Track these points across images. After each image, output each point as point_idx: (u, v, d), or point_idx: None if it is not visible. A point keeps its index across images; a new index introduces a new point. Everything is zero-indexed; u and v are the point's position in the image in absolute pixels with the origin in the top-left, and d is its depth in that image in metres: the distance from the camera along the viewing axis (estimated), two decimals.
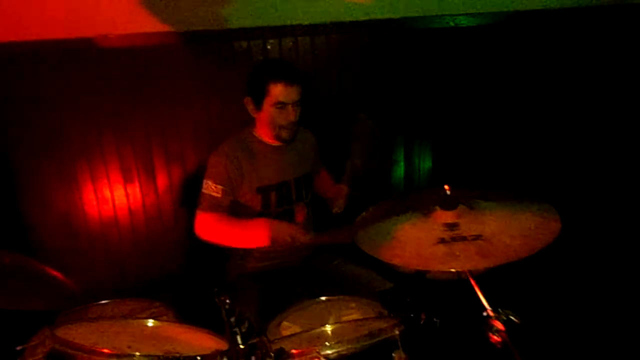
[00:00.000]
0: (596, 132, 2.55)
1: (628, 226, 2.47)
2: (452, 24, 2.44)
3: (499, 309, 1.37)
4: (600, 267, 2.38)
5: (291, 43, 2.35)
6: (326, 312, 1.67)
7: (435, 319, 1.74)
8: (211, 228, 1.86)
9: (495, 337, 1.30)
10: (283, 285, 1.94)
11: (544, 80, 2.51)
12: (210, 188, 1.88)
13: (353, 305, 1.70)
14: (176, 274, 2.45)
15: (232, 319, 1.25)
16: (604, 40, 2.49)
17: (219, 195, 1.87)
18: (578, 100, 2.53)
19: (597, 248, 2.44)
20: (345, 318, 1.61)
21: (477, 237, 1.28)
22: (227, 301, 1.24)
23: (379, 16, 2.38)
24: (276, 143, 2.00)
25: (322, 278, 1.99)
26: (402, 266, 1.35)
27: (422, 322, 1.69)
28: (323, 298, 1.71)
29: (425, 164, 2.59)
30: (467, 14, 2.44)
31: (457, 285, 1.54)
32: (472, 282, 1.39)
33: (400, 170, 2.60)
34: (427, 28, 2.44)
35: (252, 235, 1.82)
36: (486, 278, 1.66)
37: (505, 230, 1.28)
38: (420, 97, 2.51)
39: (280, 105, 1.88)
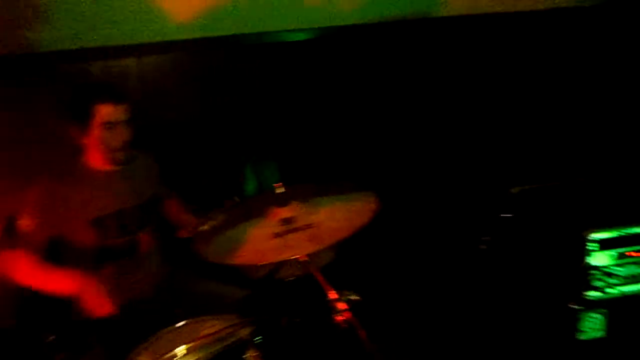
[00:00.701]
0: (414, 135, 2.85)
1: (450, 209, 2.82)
2: (281, 39, 2.58)
3: (341, 291, 1.47)
4: (429, 244, 2.67)
5: (118, 65, 2.26)
6: (183, 335, 1.61)
7: (296, 320, 1.80)
8: (14, 268, 1.68)
9: (339, 318, 1.40)
10: (135, 320, 1.82)
11: (369, 90, 2.77)
12: (22, 224, 1.71)
13: (212, 322, 1.66)
14: (6, 330, 2.13)
15: (61, 356, 1.14)
16: (417, 52, 2.81)
17: (31, 230, 1.70)
18: (400, 106, 2.82)
19: (419, 227, 2.73)
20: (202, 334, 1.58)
21: (309, 226, 1.37)
22: (51, 338, 1.13)
23: (209, 34, 2.41)
24: (110, 168, 1.88)
25: (178, 303, 1.91)
26: (243, 264, 1.38)
27: (283, 325, 1.73)
28: (180, 324, 1.65)
29: (273, 174, 2.66)
30: (295, 30, 2.60)
31: (306, 280, 1.61)
32: (314, 272, 1.48)
33: (251, 185, 2.64)
34: (258, 44, 2.54)
35: (58, 286, 1.67)
36: (333, 267, 1.78)
37: (333, 217, 1.40)
38: (258, 112, 2.59)
39: (110, 125, 1.79)
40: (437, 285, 2.38)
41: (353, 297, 1.47)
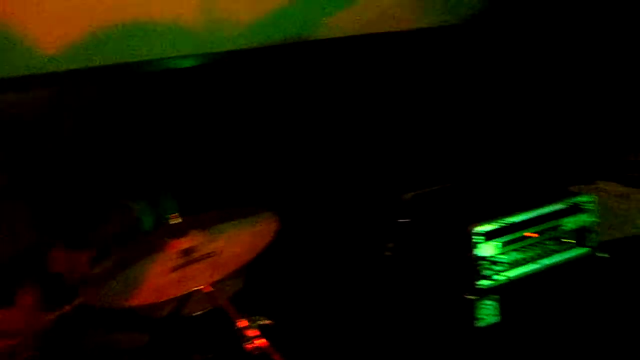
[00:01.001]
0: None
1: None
2: (165, 66, 2.49)
3: (251, 318, 1.43)
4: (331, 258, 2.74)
5: None
6: None
7: (208, 356, 1.71)
8: None
9: (250, 346, 1.35)
10: None
11: (257, 112, 2.78)
12: None
13: None
14: None
15: None
16: (302, 73, 2.88)
17: None
18: (290, 125, 2.87)
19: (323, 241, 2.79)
20: None
21: (209, 254, 1.32)
22: None
23: (84, 64, 2.26)
24: None
25: (71, 358, 1.73)
26: (141, 305, 1.28)
27: None
28: None
29: (169, 205, 2.55)
30: (178, 57, 2.53)
31: (215, 312, 1.55)
32: (221, 302, 1.42)
33: (148, 221, 2.50)
34: (142, 72, 2.44)
35: None
36: (243, 294, 1.73)
37: (234, 242, 1.37)
38: (146, 143, 2.47)
39: None
40: (346, 294, 2.43)
41: (264, 322, 1.44)
